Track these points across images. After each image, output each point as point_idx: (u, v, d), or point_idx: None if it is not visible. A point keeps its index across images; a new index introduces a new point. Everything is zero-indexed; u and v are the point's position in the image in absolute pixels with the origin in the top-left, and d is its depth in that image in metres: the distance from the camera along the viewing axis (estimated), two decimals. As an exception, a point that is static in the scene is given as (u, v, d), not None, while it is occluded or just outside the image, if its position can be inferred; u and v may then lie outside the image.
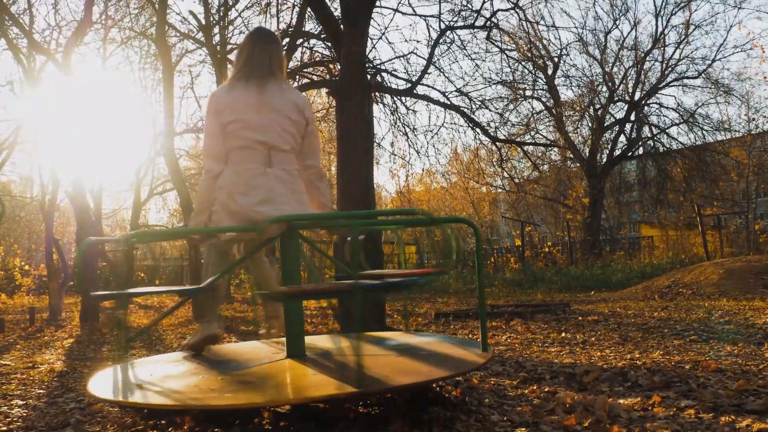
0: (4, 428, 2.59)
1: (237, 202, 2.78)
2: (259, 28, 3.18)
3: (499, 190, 21.22)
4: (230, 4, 12.28)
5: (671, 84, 19.06)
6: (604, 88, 19.45)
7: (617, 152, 19.56)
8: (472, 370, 2.45)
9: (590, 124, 19.67)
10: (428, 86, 13.50)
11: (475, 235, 2.77)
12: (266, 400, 2.10)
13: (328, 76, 10.90)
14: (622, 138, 19.79)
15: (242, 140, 2.83)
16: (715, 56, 18.28)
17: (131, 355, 5.13)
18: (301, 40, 11.24)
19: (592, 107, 19.31)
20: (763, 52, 20.37)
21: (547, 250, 19.46)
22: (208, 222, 2.89)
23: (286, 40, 10.48)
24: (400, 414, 2.35)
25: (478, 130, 11.88)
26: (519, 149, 14.93)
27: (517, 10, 11.15)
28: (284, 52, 3.15)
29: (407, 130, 11.94)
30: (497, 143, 12.82)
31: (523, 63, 15.41)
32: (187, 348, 3.06)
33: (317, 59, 11.32)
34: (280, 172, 2.86)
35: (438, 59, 11.20)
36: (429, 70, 9.52)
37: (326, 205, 3.08)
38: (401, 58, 11.05)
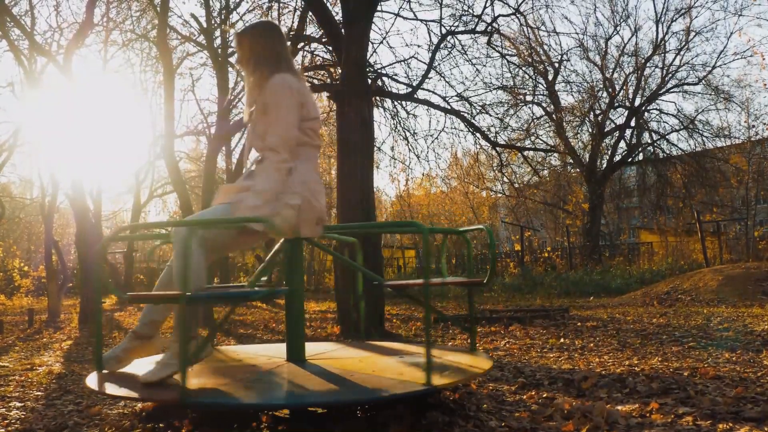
0: (2, 430, 2.59)
1: (319, 202, 2.75)
2: (276, 24, 3.08)
3: (499, 195, 21.22)
4: (231, 7, 12.31)
5: (671, 90, 19.10)
6: (605, 94, 19.49)
7: (617, 158, 19.58)
8: (472, 378, 2.46)
9: (590, 130, 19.70)
10: (429, 91, 13.51)
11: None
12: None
13: (328, 80, 10.90)
14: (622, 144, 19.84)
15: (318, 140, 2.82)
16: (716, 63, 18.32)
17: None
18: (302, 44, 11.25)
19: (592, 113, 19.34)
20: (763, 59, 20.39)
21: (546, 255, 19.46)
22: (274, 215, 2.59)
23: (288, 43, 10.49)
24: (399, 419, 2.35)
25: (478, 134, 11.87)
26: (519, 154, 14.91)
27: (518, 15, 11.16)
28: None
29: (407, 134, 11.93)
30: (497, 148, 12.80)
31: (523, 68, 15.43)
32: (169, 375, 2.44)
33: (318, 63, 11.32)
34: None
35: (439, 64, 11.18)
36: (430, 75, 9.51)
37: None
38: (402, 63, 11.01)
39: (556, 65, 18.45)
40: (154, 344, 2.80)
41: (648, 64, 18.97)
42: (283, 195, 2.63)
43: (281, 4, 11.11)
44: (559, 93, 19.10)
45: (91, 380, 2.56)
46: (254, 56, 2.83)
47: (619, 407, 2.54)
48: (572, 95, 26.42)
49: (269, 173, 2.64)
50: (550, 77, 18.54)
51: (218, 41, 11.93)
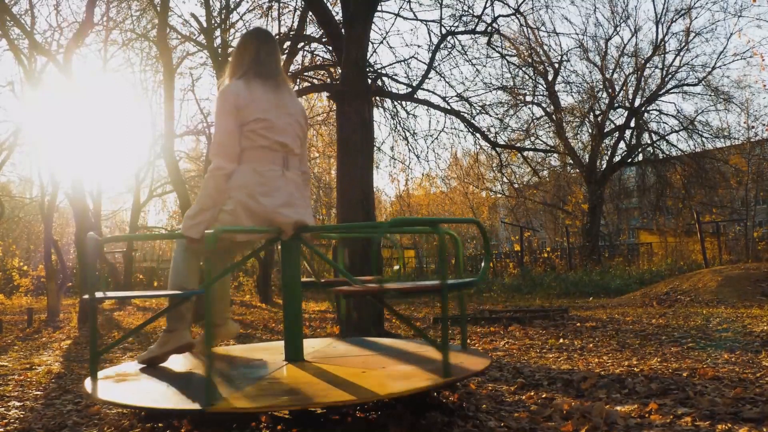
0: (1, 430, 2.59)
1: (260, 203, 2.71)
2: (261, 28, 3.16)
3: (499, 195, 21.23)
4: (232, 7, 12.30)
5: (671, 91, 19.10)
6: (604, 95, 19.49)
7: (617, 158, 19.60)
8: (470, 376, 2.46)
9: (590, 130, 19.71)
10: (429, 91, 13.49)
11: (482, 235, 2.78)
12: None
13: (328, 80, 10.91)
14: (622, 144, 19.85)
15: (265, 140, 2.77)
16: (715, 64, 18.31)
17: (129, 357, 5.13)
18: (302, 44, 11.25)
19: (592, 113, 19.34)
20: (763, 60, 20.39)
21: (546, 255, 19.47)
22: (213, 222, 2.75)
23: (287, 43, 10.50)
24: (398, 419, 2.35)
25: (478, 135, 11.87)
26: (519, 154, 14.93)
27: (518, 15, 11.15)
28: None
29: (407, 134, 11.94)
30: (497, 148, 12.80)
31: (523, 68, 15.45)
32: (149, 360, 2.86)
33: (318, 63, 11.33)
34: (294, 175, 2.87)
35: (439, 64, 11.18)
36: (430, 75, 9.48)
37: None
38: (402, 63, 11.02)
39: (556, 66, 18.47)
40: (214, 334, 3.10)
41: (648, 65, 18.98)
42: (223, 201, 2.76)
43: (281, 4, 11.11)
44: (558, 93, 19.14)
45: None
46: (229, 69, 3.01)
47: (618, 408, 2.55)
48: (572, 96, 26.44)
49: (205, 182, 2.80)
50: (550, 78, 18.56)
51: (218, 41, 11.93)
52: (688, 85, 18.79)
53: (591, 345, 4.71)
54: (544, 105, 18.51)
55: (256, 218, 2.72)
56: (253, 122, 2.77)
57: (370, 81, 7.17)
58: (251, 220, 2.71)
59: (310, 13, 9.82)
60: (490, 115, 14.31)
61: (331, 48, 9.60)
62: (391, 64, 11.95)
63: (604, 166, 19.62)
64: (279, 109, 2.84)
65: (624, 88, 19.53)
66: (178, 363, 2.95)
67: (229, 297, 3.10)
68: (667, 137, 18.97)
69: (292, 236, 2.77)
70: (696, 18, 41.24)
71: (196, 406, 2.11)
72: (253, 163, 2.77)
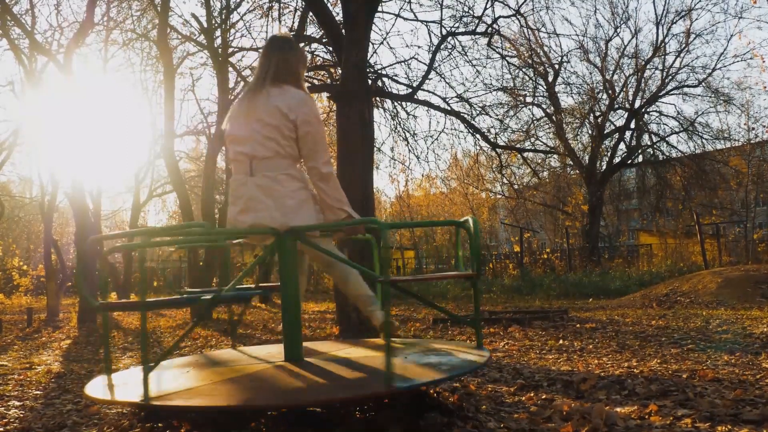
0: (1, 429, 2.59)
1: (230, 212, 2.92)
2: (271, 36, 3.17)
3: (499, 196, 21.24)
4: (232, 7, 12.32)
5: (671, 92, 19.11)
6: (605, 96, 19.51)
7: (617, 160, 19.60)
8: (467, 373, 2.46)
9: (590, 132, 19.72)
10: (429, 92, 13.51)
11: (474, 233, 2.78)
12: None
13: (329, 80, 10.91)
14: (622, 145, 19.86)
15: (231, 153, 2.93)
16: (716, 65, 18.32)
17: (128, 357, 5.13)
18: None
19: (592, 114, 19.35)
20: (763, 61, 20.48)
21: (545, 256, 19.47)
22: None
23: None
24: (397, 420, 2.35)
25: (478, 136, 11.86)
26: (519, 155, 14.92)
27: (518, 16, 11.14)
28: (293, 55, 3.02)
29: (407, 135, 11.93)
30: (497, 149, 12.79)
31: (523, 69, 15.44)
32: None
33: (318, 63, 11.32)
34: (261, 179, 2.81)
35: (439, 65, 11.17)
36: (430, 76, 9.47)
37: (332, 207, 2.94)
38: (402, 63, 11.03)
39: (556, 67, 18.47)
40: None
41: (648, 66, 18.99)
42: None
43: (281, 5, 11.11)
44: (559, 94, 19.14)
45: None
46: None
47: (618, 409, 2.55)
48: (572, 97, 26.47)
49: None
50: (550, 79, 18.56)
51: (218, 41, 11.93)
52: (688, 86, 18.80)
53: (591, 346, 4.71)
54: (544, 106, 18.52)
55: (230, 226, 2.96)
56: (225, 139, 3.02)
57: (370, 82, 7.18)
58: (229, 227, 2.98)
59: (311, 13, 9.83)
60: (490, 116, 14.32)
61: (331, 48, 9.60)
62: (391, 65, 11.96)
63: (604, 167, 19.63)
64: (246, 117, 2.88)
65: (624, 89, 19.55)
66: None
67: (355, 289, 3.13)
68: (667, 139, 19.01)
69: (282, 238, 2.76)
70: (696, 19, 41.35)
71: (416, 383, 2.19)
72: (232, 176, 3.00)
